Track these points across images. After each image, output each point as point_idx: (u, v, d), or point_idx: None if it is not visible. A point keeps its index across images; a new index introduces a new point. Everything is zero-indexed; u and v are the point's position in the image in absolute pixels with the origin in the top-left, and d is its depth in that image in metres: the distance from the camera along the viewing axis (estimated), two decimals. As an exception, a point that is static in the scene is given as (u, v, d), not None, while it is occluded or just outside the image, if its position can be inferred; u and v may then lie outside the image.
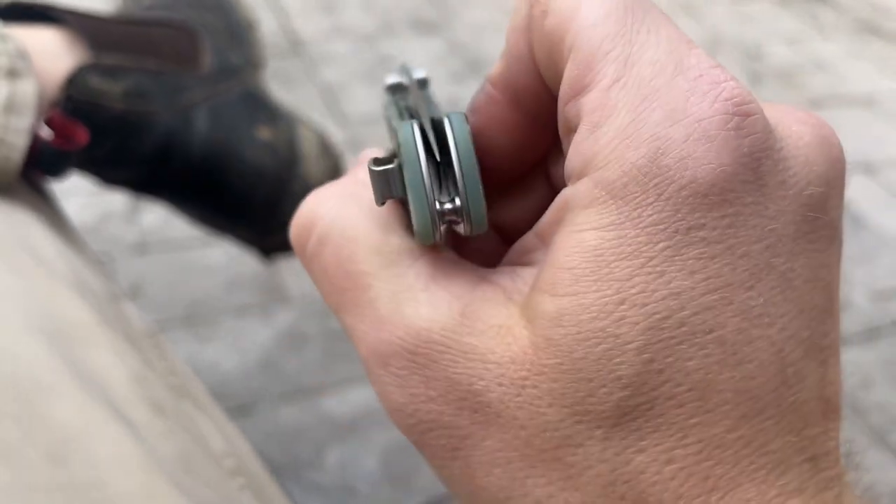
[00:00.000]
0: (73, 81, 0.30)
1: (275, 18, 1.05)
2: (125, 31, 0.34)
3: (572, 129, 0.11)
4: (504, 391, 0.10)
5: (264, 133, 0.36)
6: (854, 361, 0.69)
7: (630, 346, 0.09)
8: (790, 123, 0.11)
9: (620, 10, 0.11)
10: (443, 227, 0.11)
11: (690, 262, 0.09)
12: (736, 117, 0.10)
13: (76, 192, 0.71)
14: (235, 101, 0.36)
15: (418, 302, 0.11)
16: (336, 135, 0.86)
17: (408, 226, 0.12)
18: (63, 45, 0.31)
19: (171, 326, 0.61)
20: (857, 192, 0.91)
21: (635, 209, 0.09)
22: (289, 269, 0.67)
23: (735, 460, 0.09)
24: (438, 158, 0.11)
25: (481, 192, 0.11)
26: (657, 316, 0.09)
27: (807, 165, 0.10)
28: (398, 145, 0.11)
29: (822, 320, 0.10)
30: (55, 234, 0.27)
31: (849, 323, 0.73)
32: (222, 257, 0.68)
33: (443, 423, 0.11)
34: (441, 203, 0.11)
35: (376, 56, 1.01)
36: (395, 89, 0.16)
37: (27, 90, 0.27)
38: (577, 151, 0.10)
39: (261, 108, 0.37)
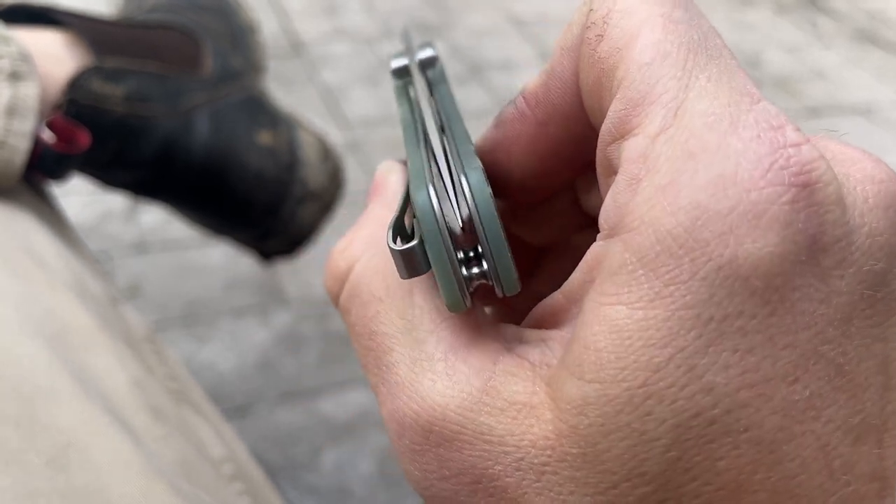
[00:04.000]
0: (76, 84, 0.30)
1: (276, 20, 1.05)
2: (127, 34, 0.34)
3: (612, 172, 0.10)
4: (522, 476, 0.10)
5: (265, 137, 0.36)
6: None
7: (656, 443, 0.09)
8: (856, 182, 0.09)
9: (683, 50, 0.09)
10: (472, 290, 0.11)
11: (725, 354, 0.08)
12: (793, 189, 0.08)
13: (75, 191, 0.71)
14: (236, 105, 0.36)
15: (436, 374, 0.10)
16: (336, 137, 0.86)
17: (434, 285, 0.11)
18: (65, 48, 0.31)
19: (168, 326, 0.61)
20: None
21: (667, 286, 0.08)
22: (287, 271, 0.67)
23: None
24: (461, 224, 0.10)
25: (510, 257, 0.10)
26: (686, 414, 0.09)
27: (870, 237, 0.09)
28: (414, 215, 0.11)
29: (878, 398, 0.09)
30: (56, 237, 0.27)
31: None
32: (221, 258, 0.68)
33: (458, 502, 0.10)
34: (469, 269, 0.11)
35: (377, 58, 1.01)
36: (401, 73, 0.15)
37: (30, 93, 0.27)
38: (614, 204, 0.09)
39: (262, 112, 0.37)
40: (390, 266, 0.12)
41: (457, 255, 0.10)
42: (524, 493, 0.10)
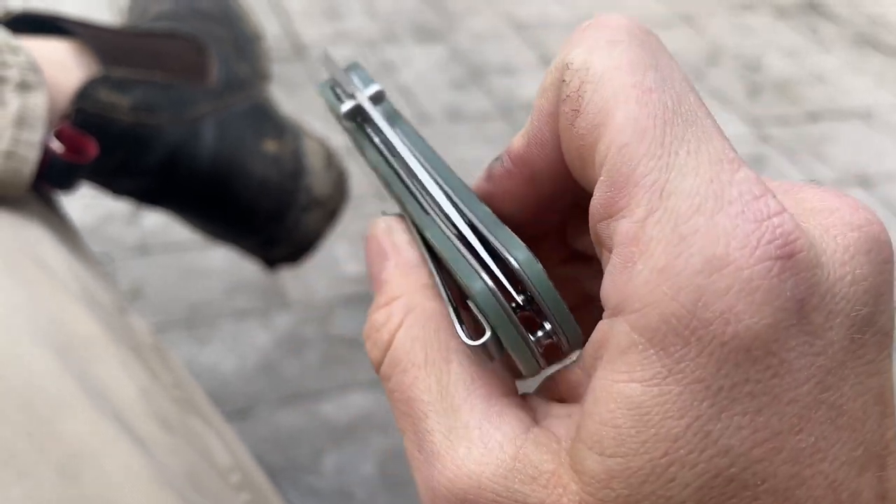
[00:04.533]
0: (83, 94, 0.30)
1: (278, 23, 1.05)
2: (134, 43, 0.34)
3: (606, 247, 0.10)
4: None
5: (270, 146, 0.36)
6: None
7: None
8: (836, 233, 0.10)
9: (659, 124, 0.10)
10: (542, 351, 0.11)
11: (736, 418, 0.09)
12: (779, 261, 0.09)
13: (78, 193, 0.71)
14: (242, 113, 0.36)
15: (471, 442, 0.11)
16: (337, 141, 0.86)
17: (464, 349, 0.12)
18: (73, 58, 0.32)
19: (170, 329, 0.61)
20: (853, 205, 0.92)
21: (677, 363, 0.09)
22: (289, 274, 0.68)
23: None
24: (521, 302, 0.11)
25: (572, 319, 0.11)
26: (707, 476, 0.09)
27: (854, 283, 0.10)
28: (477, 306, 0.11)
29: (877, 426, 0.10)
30: (64, 247, 0.27)
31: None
32: (223, 260, 0.68)
33: None
34: (535, 335, 0.11)
35: (379, 62, 1.02)
36: (353, 115, 0.14)
37: (38, 103, 0.27)
38: (613, 285, 0.10)
39: (267, 120, 0.37)
40: (430, 335, 0.12)
41: (529, 336, 0.11)
42: None
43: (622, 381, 0.10)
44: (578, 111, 0.10)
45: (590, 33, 0.11)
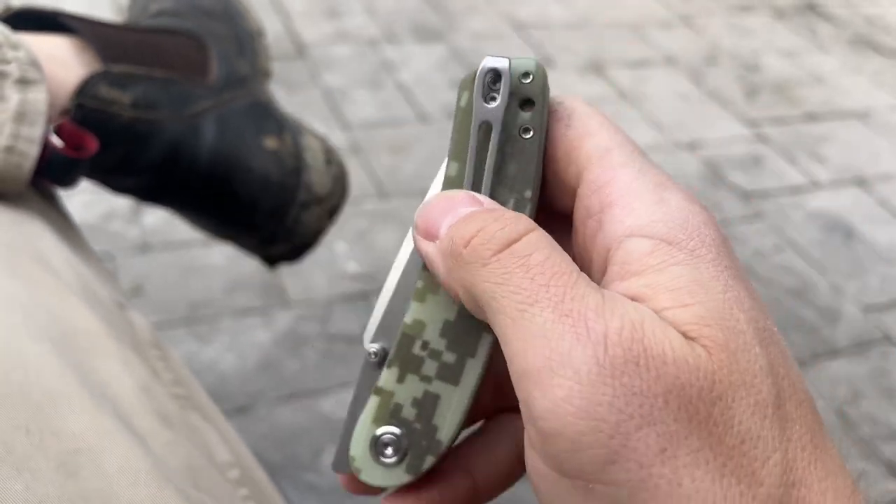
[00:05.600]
0: (83, 90, 0.30)
1: (279, 22, 1.05)
2: (134, 39, 0.34)
3: (592, 214, 0.15)
4: (701, 387, 0.12)
5: (270, 142, 0.36)
6: (845, 374, 0.70)
7: (750, 339, 0.12)
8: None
9: (624, 139, 0.15)
10: None
11: (738, 285, 0.13)
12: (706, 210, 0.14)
13: (79, 190, 0.71)
14: (242, 110, 0.36)
15: (623, 299, 0.13)
16: (338, 139, 0.86)
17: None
18: (73, 53, 0.32)
19: (170, 326, 0.61)
20: (851, 206, 0.92)
21: (694, 250, 0.13)
22: (289, 272, 0.68)
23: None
24: None
25: None
26: (753, 313, 0.13)
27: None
28: None
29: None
30: (64, 243, 0.27)
31: (840, 336, 0.74)
32: (223, 258, 0.68)
33: (653, 418, 0.11)
34: None
35: (379, 61, 1.02)
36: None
37: (39, 98, 0.27)
38: (620, 220, 0.14)
39: (267, 117, 0.37)
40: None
41: None
42: (703, 403, 0.12)
43: (665, 265, 0.13)
44: (569, 126, 0.15)
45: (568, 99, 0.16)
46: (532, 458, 0.13)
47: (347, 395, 0.60)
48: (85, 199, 0.70)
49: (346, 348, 0.64)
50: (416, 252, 0.15)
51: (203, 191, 0.35)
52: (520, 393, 0.12)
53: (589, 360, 0.11)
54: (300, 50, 1.01)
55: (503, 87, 0.15)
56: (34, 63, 0.28)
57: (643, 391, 0.11)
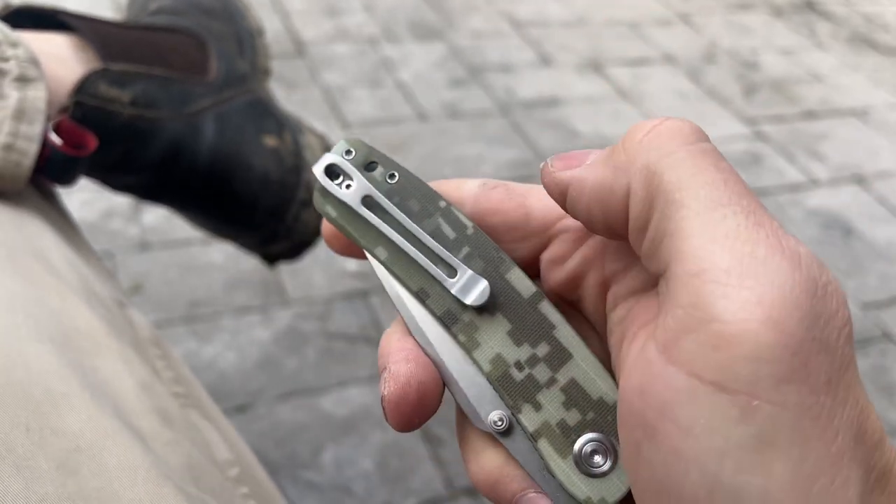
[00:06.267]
0: (82, 88, 0.30)
1: (279, 21, 1.05)
2: (134, 37, 0.34)
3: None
4: (851, 334, 0.12)
5: (270, 140, 0.36)
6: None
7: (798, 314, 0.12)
8: None
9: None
10: None
11: None
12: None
13: (79, 189, 0.71)
14: (242, 108, 0.36)
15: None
16: (338, 137, 0.86)
17: None
18: (73, 51, 0.32)
19: (170, 325, 0.61)
20: (849, 204, 0.92)
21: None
22: (288, 271, 0.68)
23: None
24: None
25: None
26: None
27: None
28: None
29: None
30: (64, 241, 0.27)
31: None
32: (223, 257, 0.68)
33: (830, 346, 0.11)
34: None
35: (378, 59, 1.02)
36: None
37: (38, 96, 0.27)
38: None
39: (267, 115, 0.37)
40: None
41: None
42: (835, 338, 0.11)
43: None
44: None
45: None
46: (673, 374, 0.11)
47: (347, 393, 0.60)
48: (84, 198, 0.70)
49: (345, 346, 0.64)
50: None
51: (203, 189, 0.35)
52: (690, 294, 0.11)
53: (785, 272, 0.11)
54: (299, 48, 1.01)
55: (350, 164, 0.16)
56: (33, 61, 0.28)
57: (826, 318, 0.11)
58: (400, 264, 0.15)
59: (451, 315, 0.15)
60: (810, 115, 1.08)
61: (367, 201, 0.15)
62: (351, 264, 0.71)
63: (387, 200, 0.15)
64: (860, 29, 1.35)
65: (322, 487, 0.54)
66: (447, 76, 1.02)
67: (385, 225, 0.15)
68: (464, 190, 0.16)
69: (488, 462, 0.15)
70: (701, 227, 0.11)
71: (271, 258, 0.41)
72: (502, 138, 0.93)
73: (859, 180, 0.97)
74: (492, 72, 1.04)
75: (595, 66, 1.11)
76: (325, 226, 0.16)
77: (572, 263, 0.15)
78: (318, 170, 0.16)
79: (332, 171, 0.16)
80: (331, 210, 0.16)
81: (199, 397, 0.26)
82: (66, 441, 0.19)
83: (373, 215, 0.15)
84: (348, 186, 0.16)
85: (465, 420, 0.15)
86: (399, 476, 0.55)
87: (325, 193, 0.16)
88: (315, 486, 0.54)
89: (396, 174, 0.16)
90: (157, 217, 0.71)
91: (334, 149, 0.16)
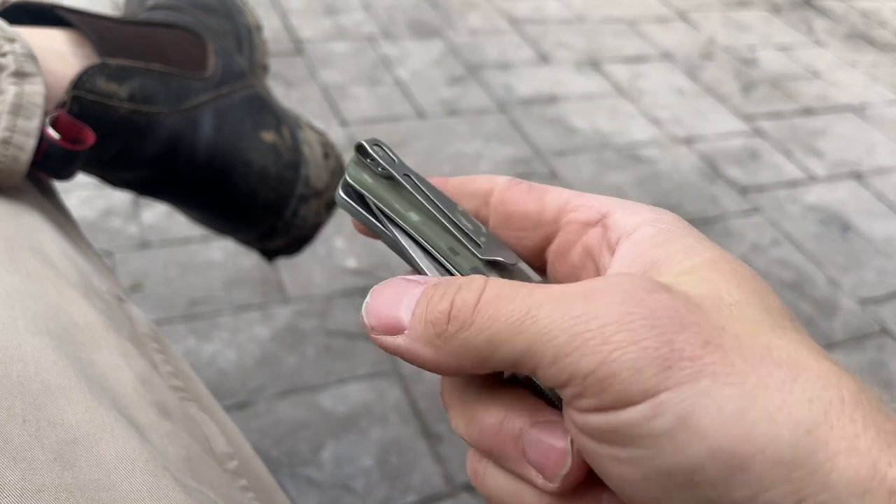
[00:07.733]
0: (80, 83, 0.30)
1: (277, 19, 1.05)
2: (132, 32, 0.34)
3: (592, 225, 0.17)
4: (703, 296, 0.14)
5: (268, 136, 0.36)
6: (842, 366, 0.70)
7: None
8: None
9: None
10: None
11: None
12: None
13: (78, 187, 0.71)
14: (240, 103, 0.36)
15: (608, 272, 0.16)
16: (336, 134, 0.86)
17: None
18: (70, 47, 0.32)
19: (170, 323, 0.61)
20: (847, 199, 0.92)
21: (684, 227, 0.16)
22: (288, 268, 0.68)
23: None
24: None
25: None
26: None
27: None
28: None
29: None
30: (61, 235, 0.27)
31: (837, 328, 0.75)
32: (222, 255, 0.68)
33: (683, 323, 0.13)
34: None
35: (377, 57, 1.02)
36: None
37: (35, 91, 0.27)
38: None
39: (265, 110, 0.37)
40: None
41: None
42: None
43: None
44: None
45: None
46: (593, 424, 0.13)
47: (346, 390, 0.60)
48: (84, 196, 0.70)
49: (344, 344, 0.64)
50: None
51: (201, 184, 0.35)
52: (562, 375, 0.13)
53: (602, 307, 0.13)
54: (298, 46, 1.01)
55: (382, 152, 0.17)
56: (30, 56, 0.28)
57: (663, 308, 0.13)
58: (430, 226, 0.17)
59: (479, 273, 0.16)
60: (808, 111, 1.08)
61: (405, 177, 0.17)
62: (350, 262, 0.71)
63: (423, 178, 0.17)
64: (858, 25, 1.35)
65: (322, 484, 0.54)
66: (445, 74, 1.02)
67: (419, 195, 0.17)
68: (494, 181, 0.18)
69: (489, 411, 0.15)
70: (535, 335, 0.13)
71: (270, 253, 0.41)
72: (501, 135, 0.93)
73: (857, 176, 0.97)
74: (490, 69, 1.04)
75: (593, 64, 1.11)
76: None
77: (574, 254, 0.17)
78: (363, 141, 0.17)
79: (364, 151, 0.17)
80: (367, 178, 0.17)
81: (198, 391, 0.26)
82: (63, 433, 0.19)
83: (413, 181, 0.17)
84: (386, 161, 0.17)
85: (455, 382, 0.16)
86: (399, 472, 0.55)
87: (363, 164, 0.17)
88: (315, 483, 0.54)
89: (409, 173, 0.18)
90: (157, 215, 0.71)
91: (366, 140, 0.18)
